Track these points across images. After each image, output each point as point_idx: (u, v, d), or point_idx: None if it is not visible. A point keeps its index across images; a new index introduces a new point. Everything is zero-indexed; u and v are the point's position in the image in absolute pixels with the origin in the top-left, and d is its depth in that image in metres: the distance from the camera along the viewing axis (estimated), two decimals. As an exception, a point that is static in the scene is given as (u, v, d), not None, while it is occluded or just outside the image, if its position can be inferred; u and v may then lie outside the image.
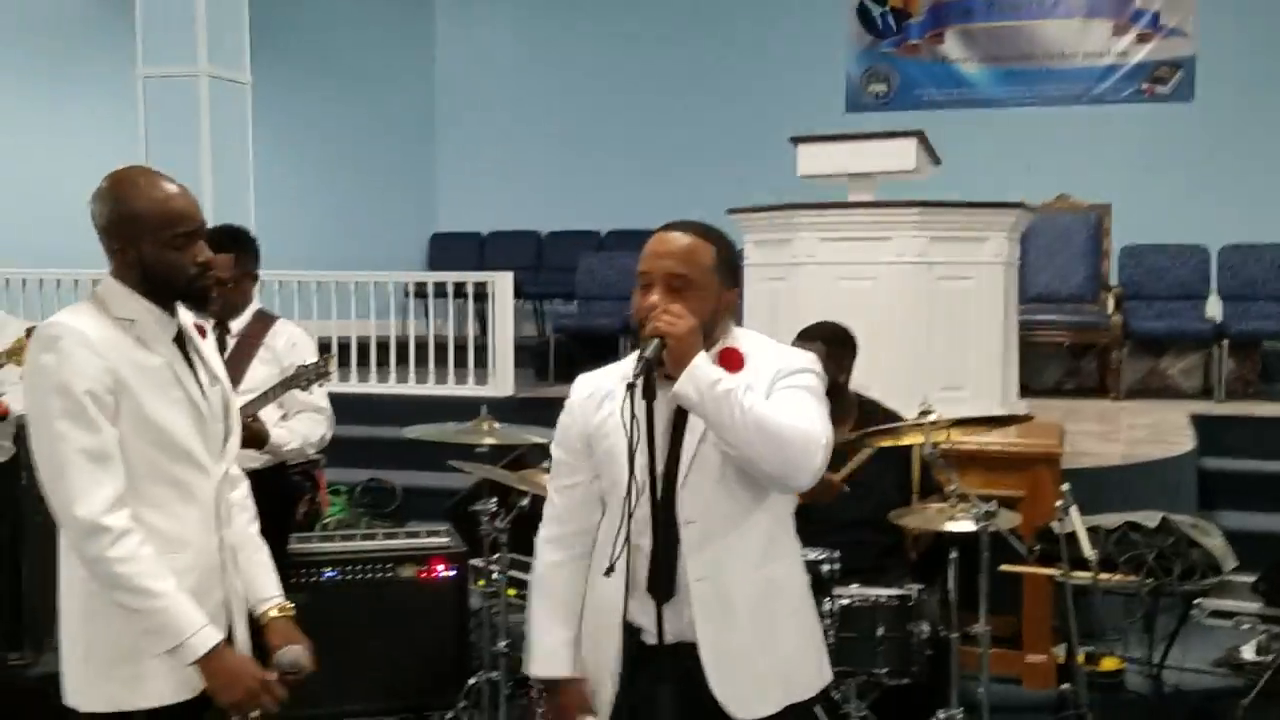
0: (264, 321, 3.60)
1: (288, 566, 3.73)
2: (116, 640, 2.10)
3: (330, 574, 3.90)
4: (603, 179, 9.71)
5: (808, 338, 3.48)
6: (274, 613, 2.30)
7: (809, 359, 2.12)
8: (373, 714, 3.91)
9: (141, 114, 6.49)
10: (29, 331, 3.51)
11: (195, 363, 2.24)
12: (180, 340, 2.22)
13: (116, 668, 2.11)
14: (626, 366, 2.04)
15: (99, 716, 2.14)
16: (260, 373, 3.46)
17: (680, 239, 2.09)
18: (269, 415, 3.38)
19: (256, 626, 2.31)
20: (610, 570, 1.98)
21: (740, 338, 2.15)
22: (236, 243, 3.55)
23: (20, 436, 4.14)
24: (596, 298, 8.37)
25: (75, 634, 2.15)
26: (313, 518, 4.92)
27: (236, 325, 3.55)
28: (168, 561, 2.08)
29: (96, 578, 2.05)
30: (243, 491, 2.38)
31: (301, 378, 3.26)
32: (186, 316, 2.28)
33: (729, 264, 2.13)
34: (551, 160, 9.92)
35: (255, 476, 3.40)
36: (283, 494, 3.75)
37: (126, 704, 2.12)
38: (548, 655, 2.19)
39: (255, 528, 2.37)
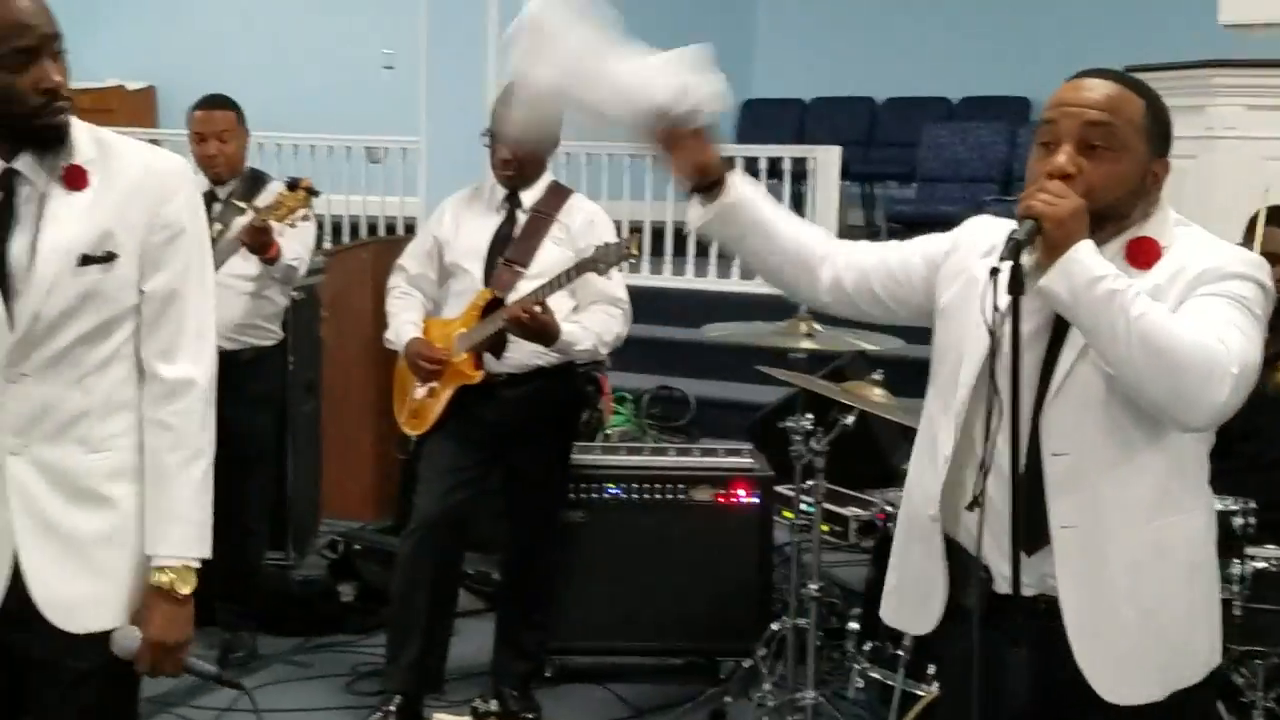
0: (559, 195, 3.74)
1: (569, 479, 3.96)
2: None
3: (614, 491, 4.08)
4: (955, 32, 9.37)
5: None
6: (151, 576, 2.09)
7: (1254, 263, 1.97)
8: (658, 653, 4.11)
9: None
10: (290, 184, 3.84)
11: (13, 223, 2.01)
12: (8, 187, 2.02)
13: None
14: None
15: None
16: (553, 254, 3.60)
17: (1103, 85, 1.98)
18: (559, 305, 3.52)
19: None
20: (974, 504, 1.95)
21: (1167, 227, 2.02)
22: None
23: (293, 314, 4.54)
24: (942, 179, 8.20)
25: None
26: (594, 427, 5.17)
27: (529, 198, 3.70)
28: None
29: None
30: (177, 408, 2.11)
31: (601, 260, 3.37)
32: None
33: (1161, 125, 2.01)
34: (891, 9, 9.68)
35: (539, 376, 3.66)
36: (569, 398, 3.94)
37: None
38: None
39: (176, 457, 2.11)
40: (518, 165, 3.64)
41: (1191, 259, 1.96)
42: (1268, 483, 3.21)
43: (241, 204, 4.02)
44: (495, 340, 3.58)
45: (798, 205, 7.94)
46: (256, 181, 4.16)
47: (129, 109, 9.59)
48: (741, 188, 2.15)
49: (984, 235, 2.12)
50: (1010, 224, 1.98)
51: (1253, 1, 4.78)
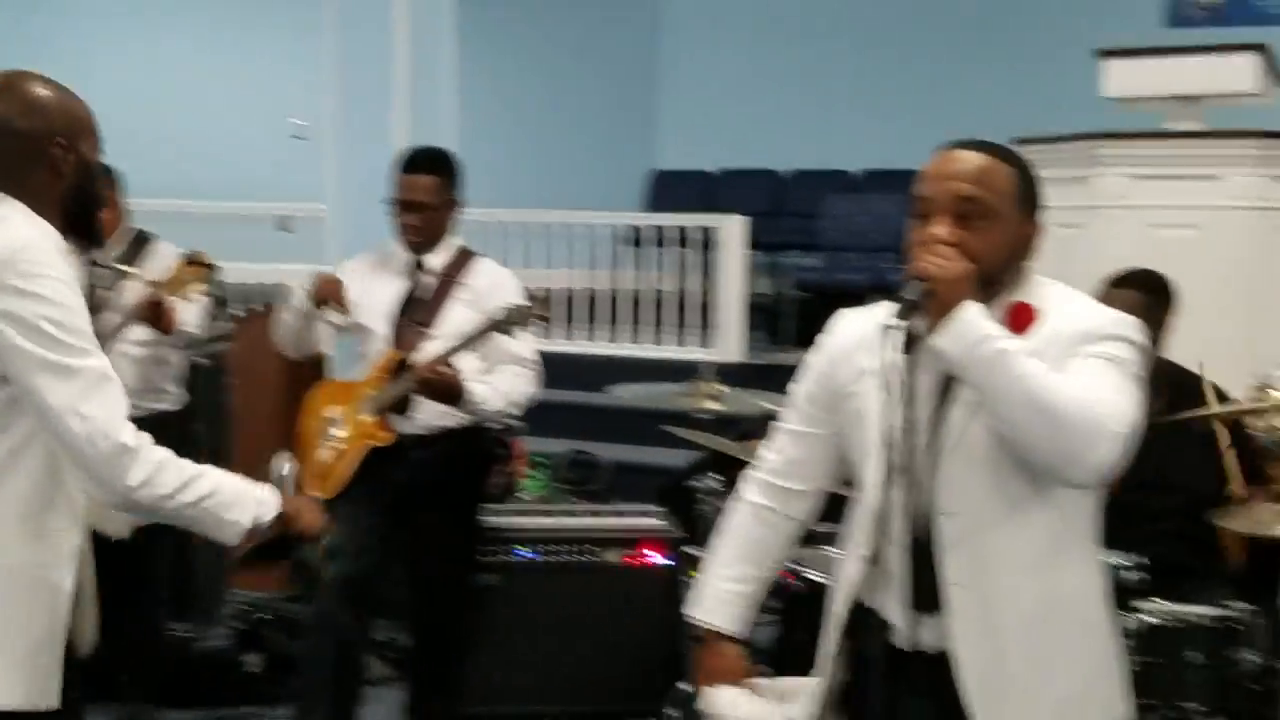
0: (465, 258, 3.77)
1: (477, 542, 3.93)
2: (31, 625, 2.10)
3: (524, 554, 4.05)
4: (858, 106, 9.54)
5: (1120, 284, 3.42)
6: None
7: (1128, 324, 2.03)
8: (570, 716, 4.04)
9: (331, 25, 6.84)
10: (189, 260, 3.58)
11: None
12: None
13: (37, 656, 2.10)
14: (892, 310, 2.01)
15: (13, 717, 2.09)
16: (459, 315, 3.63)
17: (972, 158, 2.03)
18: (468, 367, 3.54)
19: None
20: (873, 560, 2.00)
21: (1040, 290, 2.08)
22: (439, 166, 3.72)
23: (199, 382, 4.47)
24: (845, 249, 8.30)
25: None
26: (506, 491, 5.14)
27: (435, 261, 3.73)
28: (76, 538, 2.15)
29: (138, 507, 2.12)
30: None
31: (509, 320, 3.39)
32: None
33: (1030, 192, 2.07)
34: (795, 84, 9.81)
35: (447, 437, 3.65)
36: (477, 460, 3.93)
37: (42, 702, 2.10)
38: (715, 602, 2.30)
39: None
40: (421, 231, 3.66)
41: (1067, 322, 2.02)
42: (1155, 536, 3.28)
43: (126, 268, 3.69)
44: (402, 401, 3.57)
45: (706, 273, 8.04)
46: (141, 242, 3.93)
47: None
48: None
49: (850, 324, 2.21)
50: (873, 310, 2.07)
51: (1134, 77, 4.95)
